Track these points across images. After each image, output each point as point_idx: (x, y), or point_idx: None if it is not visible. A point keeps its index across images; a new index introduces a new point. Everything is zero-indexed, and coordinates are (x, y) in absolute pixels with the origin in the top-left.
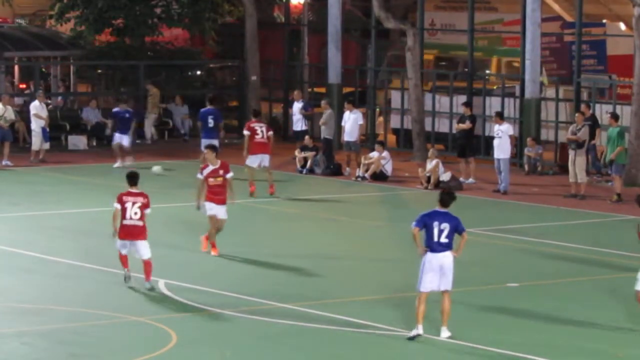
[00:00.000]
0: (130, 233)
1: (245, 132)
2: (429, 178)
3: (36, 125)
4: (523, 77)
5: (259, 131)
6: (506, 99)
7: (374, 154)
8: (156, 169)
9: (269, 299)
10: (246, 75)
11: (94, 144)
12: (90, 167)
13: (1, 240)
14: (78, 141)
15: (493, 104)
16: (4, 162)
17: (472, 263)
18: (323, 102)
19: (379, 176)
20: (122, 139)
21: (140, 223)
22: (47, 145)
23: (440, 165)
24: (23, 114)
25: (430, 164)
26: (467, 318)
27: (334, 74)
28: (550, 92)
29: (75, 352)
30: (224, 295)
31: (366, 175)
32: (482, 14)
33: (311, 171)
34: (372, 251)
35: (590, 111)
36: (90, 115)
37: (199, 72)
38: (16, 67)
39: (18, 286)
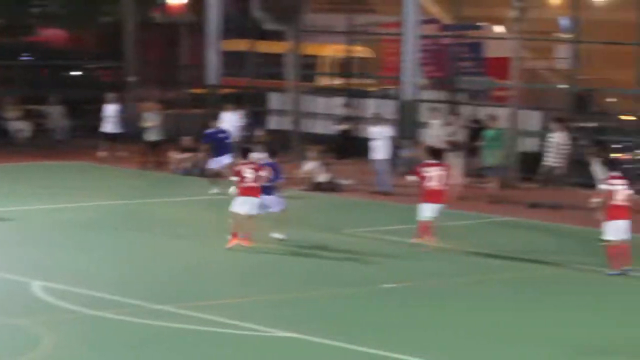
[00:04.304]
0: None
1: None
2: (308, 179)
3: None
4: (401, 78)
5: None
6: (385, 101)
7: (310, 165)
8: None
9: (146, 301)
10: (125, 75)
11: None
12: None
13: None
14: None
15: (371, 105)
16: None
17: (349, 263)
18: None
19: None
20: None
21: None
22: None
23: (320, 166)
24: None
25: (309, 166)
26: (343, 319)
27: (213, 75)
28: (428, 94)
29: None
30: (99, 297)
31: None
32: (362, 15)
33: (189, 172)
34: (247, 253)
35: (478, 115)
36: None
37: (77, 73)
38: None
39: None
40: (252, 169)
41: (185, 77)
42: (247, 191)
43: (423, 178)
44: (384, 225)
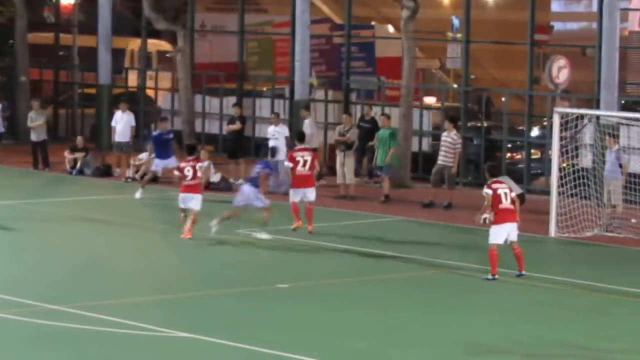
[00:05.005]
0: None
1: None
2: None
3: None
4: (293, 78)
5: None
6: (276, 100)
7: (144, 155)
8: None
9: (40, 301)
10: (16, 75)
11: None
12: None
13: None
14: None
15: (263, 105)
16: None
17: (245, 263)
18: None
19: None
20: None
21: None
22: None
23: (212, 166)
24: None
25: (201, 165)
26: (238, 319)
27: (104, 74)
28: (319, 94)
29: None
30: None
31: (136, 176)
32: (253, 15)
33: (81, 172)
34: (142, 253)
35: (372, 113)
36: None
37: None
38: None
39: None
40: (192, 166)
41: (77, 78)
42: (188, 188)
43: (296, 163)
44: (280, 225)
